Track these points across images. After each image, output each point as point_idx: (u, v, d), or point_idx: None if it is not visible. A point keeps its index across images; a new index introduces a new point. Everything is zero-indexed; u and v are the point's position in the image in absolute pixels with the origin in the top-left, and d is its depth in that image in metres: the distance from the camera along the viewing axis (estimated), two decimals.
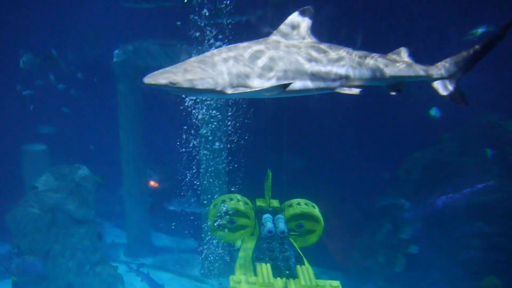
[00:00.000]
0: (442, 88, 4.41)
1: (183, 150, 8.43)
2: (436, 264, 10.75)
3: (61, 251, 10.08)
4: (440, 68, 4.35)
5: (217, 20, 6.43)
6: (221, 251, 10.90)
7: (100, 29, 15.02)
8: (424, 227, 11.03)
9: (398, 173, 11.62)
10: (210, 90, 3.61)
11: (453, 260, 10.50)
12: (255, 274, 4.72)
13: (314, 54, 4.01)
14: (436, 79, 4.37)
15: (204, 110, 9.83)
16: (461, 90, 4.42)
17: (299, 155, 12.41)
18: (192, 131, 8.36)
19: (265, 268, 4.74)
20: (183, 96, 3.85)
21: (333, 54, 4.08)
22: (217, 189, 10.61)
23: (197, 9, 6.67)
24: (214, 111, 9.87)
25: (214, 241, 10.29)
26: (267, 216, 5.76)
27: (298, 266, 4.83)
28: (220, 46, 6.02)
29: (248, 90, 3.71)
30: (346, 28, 10.32)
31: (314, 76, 3.97)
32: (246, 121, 8.62)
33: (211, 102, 9.49)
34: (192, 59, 3.81)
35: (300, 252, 5.25)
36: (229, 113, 9.70)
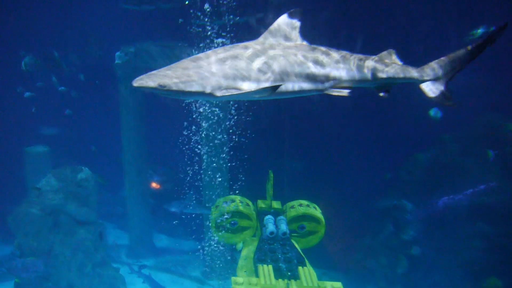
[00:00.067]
0: (430, 89, 4.39)
1: (185, 151, 8.45)
2: (438, 265, 10.74)
3: (63, 253, 10.09)
4: (429, 69, 4.34)
5: (219, 22, 6.45)
6: (222, 252, 10.91)
7: (101, 31, 15.07)
8: (426, 228, 11.02)
9: (399, 174, 11.62)
10: (199, 92, 3.61)
11: (455, 261, 10.49)
12: (257, 276, 4.72)
13: (304, 56, 4.01)
14: (425, 80, 4.36)
15: (205, 110, 9.85)
16: (449, 92, 4.38)
17: (300, 157, 12.42)
18: (194, 133, 8.38)
19: (266, 270, 4.75)
20: (173, 98, 3.83)
21: (322, 56, 4.09)
22: (219, 190, 10.62)
23: (197, 12, 6.69)
24: (216, 112, 9.89)
25: (215, 242, 10.30)
26: (268, 217, 5.76)
27: (300, 268, 4.83)
28: (223, 43, 6.04)
29: (238, 92, 3.70)
30: (346, 30, 10.35)
31: (303, 78, 3.98)
32: (247, 122, 8.64)
33: (213, 103, 9.51)
34: (182, 61, 3.80)
35: (302, 254, 5.25)
36: (231, 115, 9.72)
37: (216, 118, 9.95)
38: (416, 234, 10.92)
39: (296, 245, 5.49)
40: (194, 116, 7.84)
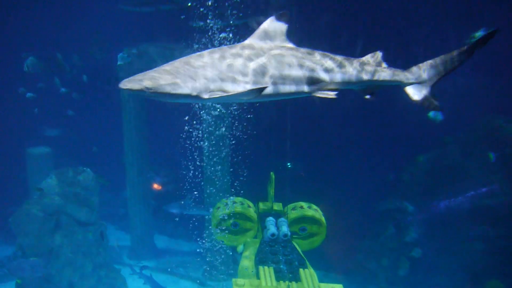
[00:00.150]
0: (414, 93, 4.36)
1: (186, 152, 8.45)
2: (439, 267, 10.72)
3: (65, 253, 10.10)
4: (414, 73, 4.32)
5: (222, 23, 6.47)
6: (223, 253, 10.91)
7: (103, 32, 15.11)
8: (428, 230, 11.01)
9: (401, 175, 11.62)
10: (186, 95, 3.60)
11: (457, 263, 10.47)
12: (258, 277, 4.72)
13: (291, 58, 4.02)
14: (409, 83, 4.34)
15: (207, 111, 9.86)
16: (434, 96, 4.34)
17: (302, 158, 12.42)
18: (195, 133, 8.38)
19: (268, 271, 4.75)
20: (161, 100, 3.84)
21: (309, 58, 4.09)
22: (220, 192, 10.62)
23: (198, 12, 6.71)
24: (217, 113, 9.90)
25: (216, 243, 10.30)
26: (270, 219, 5.77)
27: (301, 270, 4.84)
28: (225, 38, 6.04)
29: (224, 94, 3.71)
30: (346, 33, 10.36)
31: (290, 80, 3.98)
32: (248, 124, 8.64)
33: (214, 104, 9.52)
34: (170, 63, 3.82)
35: (303, 256, 5.25)
36: (233, 117, 9.73)
37: (217, 118, 9.97)
38: (417, 236, 10.91)
39: (297, 247, 5.49)
40: (195, 117, 7.86)
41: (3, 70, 13.66)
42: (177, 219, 11.89)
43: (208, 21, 6.41)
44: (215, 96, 3.69)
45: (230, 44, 4.88)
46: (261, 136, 9.42)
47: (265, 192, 6.33)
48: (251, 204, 6.20)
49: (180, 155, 8.25)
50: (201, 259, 12.09)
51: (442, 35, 10.33)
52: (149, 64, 10.97)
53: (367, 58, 4.39)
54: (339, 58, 4.24)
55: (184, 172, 8.65)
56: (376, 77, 4.27)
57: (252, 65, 3.86)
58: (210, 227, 6.48)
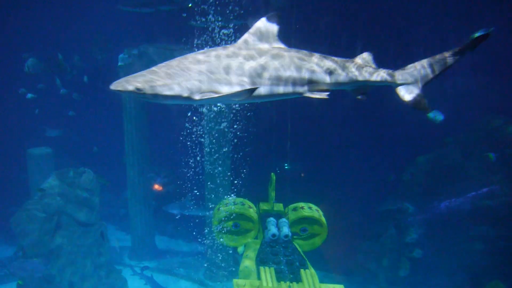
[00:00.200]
0: (405, 93, 4.36)
1: (186, 153, 8.46)
2: (440, 268, 10.72)
3: (65, 254, 10.12)
4: (404, 73, 4.34)
5: (223, 24, 6.48)
6: (224, 254, 10.92)
7: (103, 33, 15.13)
8: (428, 231, 11.01)
9: (402, 177, 11.62)
10: (176, 96, 3.59)
11: (458, 264, 10.48)
12: (259, 278, 4.73)
13: (282, 59, 4.02)
14: (400, 84, 4.35)
15: (208, 112, 9.87)
16: (424, 96, 4.34)
17: (302, 159, 12.42)
18: (196, 134, 8.39)
19: (268, 272, 4.76)
20: (152, 102, 3.82)
21: (300, 59, 4.10)
22: (221, 193, 10.62)
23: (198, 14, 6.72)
24: (218, 113, 9.91)
25: (217, 244, 10.31)
26: (271, 220, 5.78)
27: (302, 270, 4.84)
28: (225, 34, 6.04)
29: (216, 95, 3.70)
30: (346, 34, 10.37)
31: (282, 81, 3.99)
32: (249, 124, 8.65)
33: (215, 105, 9.53)
34: (160, 65, 3.81)
35: (304, 256, 5.26)
36: (234, 117, 9.73)
37: (218, 119, 9.98)
38: (418, 237, 10.91)
39: (298, 248, 5.50)
40: (196, 117, 7.86)
41: (4, 71, 13.69)
42: (178, 216, 11.92)
43: (209, 17, 6.42)
44: (206, 98, 3.68)
45: (230, 42, 4.88)
46: (262, 136, 9.43)
47: (266, 193, 6.34)
48: (252, 204, 6.20)
49: (180, 155, 8.27)
50: (202, 260, 12.10)
51: (442, 35, 10.34)
52: (149, 65, 10.99)
53: (358, 58, 4.42)
54: (330, 58, 4.26)
55: (186, 169, 8.66)
56: (367, 78, 4.30)
57: (244, 66, 3.86)
58: (211, 227, 6.47)
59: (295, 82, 4.05)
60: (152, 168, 13.38)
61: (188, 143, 7.73)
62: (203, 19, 6.55)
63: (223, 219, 5.92)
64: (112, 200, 14.70)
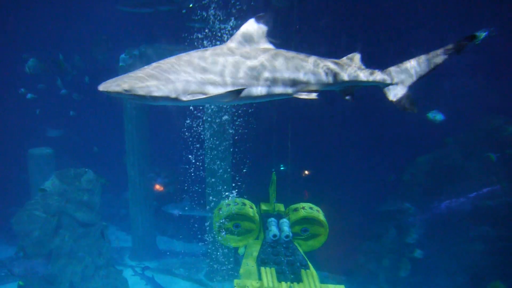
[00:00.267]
0: (392, 93, 4.40)
1: (187, 154, 8.47)
2: (441, 269, 10.72)
3: (66, 255, 10.12)
4: (392, 73, 4.36)
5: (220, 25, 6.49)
6: (225, 254, 10.92)
7: (105, 33, 15.14)
8: (429, 232, 11.01)
9: (403, 177, 11.62)
10: (164, 97, 3.59)
11: (458, 264, 10.47)
12: (260, 278, 4.74)
13: (271, 60, 4.02)
14: (387, 84, 4.38)
15: (208, 114, 9.88)
16: (410, 96, 4.38)
17: (303, 160, 12.42)
18: (196, 135, 8.40)
19: (269, 272, 4.77)
20: (140, 103, 3.82)
21: (289, 60, 4.10)
22: (222, 193, 10.63)
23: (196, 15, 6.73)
24: (219, 115, 9.91)
25: (218, 244, 10.32)
26: (272, 220, 5.78)
27: (302, 270, 4.85)
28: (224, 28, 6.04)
29: (204, 96, 3.69)
30: (346, 36, 10.37)
31: (271, 82, 3.99)
32: (250, 125, 8.65)
33: (215, 106, 9.54)
34: (149, 66, 3.80)
35: (305, 256, 5.26)
36: (234, 117, 9.74)
37: (218, 120, 9.98)
38: (418, 237, 10.91)
39: (299, 248, 5.50)
40: (197, 118, 7.88)
41: (5, 71, 13.70)
42: (178, 214, 11.91)
43: (209, 17, 6.43)
44: (194, 99, 3.68)
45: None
46: (262, 137, 9.42)
47: (267, 193, 6.34)
48: (253, 205, 6.21)
49: (181, 150, 8.27)
50: (203, 260, 12.11)
51: (442, 35, 10.34)
52: None
53: (346, 59, 4.44)
54: (318, 59, 4.27)
55: (186, 165, 8.66)
56: (354, 78, 4.32)
57: (233, 67, 3.85)
58: (211, 228, 6.47)
59: (283, 83, 4.05)
60: (153, 168, 13.39)
61: (189, 138, 7.74)
62: (202, 18, 6.56)
63: (224, 219, 5.92)
64: (112, 200, 14.71)
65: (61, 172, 10.63)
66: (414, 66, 4.32)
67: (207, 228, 11.12)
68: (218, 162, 10.42)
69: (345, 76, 4.28)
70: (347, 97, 4.54)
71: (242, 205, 6.06)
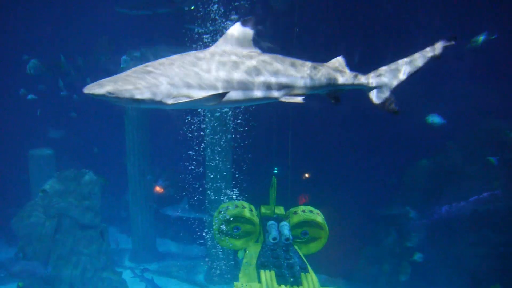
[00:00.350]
0: (376, 96, 4.43)
1: (187, 156, 8.47)
2: (442, 273, 10.69)
3: (66, 256, 10.12)
4: (375, 77, 4.38)
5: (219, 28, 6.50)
6: (225, 257, 10.90)
7: (106, 35, 15.17)
8: (430, 235, 10.99)
9: (403, 180, 11.60)
10: (149, 100, 3.59)
11: (459, 268, 10.45)
12: (259, 281, 4.72)
13: (256, 63, 4.02)
14: (371, 87, 4.40)
15: (208, 116, 9.88)
16: (393, 99, 4.40)
17: (303, 162, 12.41)
18: (196, 137, 8.40)
19: (269, 275, 4.75)
20: (125, 106, 3.84)
21: (275, 63, 4.10)
22: (222, 195, 10.62)
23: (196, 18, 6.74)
24: (218, 116, 9.92)
25: (218, 247, 10.30)
26: (271, 223, 5.76)
27: (302, 274, 4.83)
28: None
29: (188, 100, 3.68)
30: (345, 40, 10.37)
31: (256, 85, 3.98)
32: (250, 127, 8.64)
33: (215, 109, 9.54)
34: (135, 69, 3.80)
35: (305, 260, 5.25)
36: (234, 119, 9.74)
37: (219, 122, 9.98)
38: (419, 241, 10.89)
39: (299, 251, 5.48)
40: (197, 120, 7.87)
41: (6, 72, 13.73)
42: (176, 215, 11.88)
43: (209, 19, 6.44)
44: (179, 102, 3.66)
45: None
46: (263, 139, 9.43)
47: (267, 196, 6.33)
48: (252, 207, 6.19)
49: (181, 158, 8.26)
50: (203, 263, 12.09)
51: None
52: None
53: (331, 63, 4.45)
54: (304, 63, 4.28)
55: (185, 178, 8.65)
56: (339, 81, 4.35)
57: (218, 70, 3.84)
58: (211, 230, 6.46)
59: (269, 87, 4.05)
60: (153, 169, 13.39)
61: (189, 134, 7.73)
62: (202, 20, 6.58)
63: (223, 222, 5.91)
64: (113, 202, 14.70)
65: (61, 173, 10.64)
66: (397, 69, 4.35)
67: (207, 231, 11.11)
68: (217, 164, 10.42)
69: (330, 80, 4.31)
70: (332, 101, 4.57)
71: (241, 207, 6.05)
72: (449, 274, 10.60)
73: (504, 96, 10.32)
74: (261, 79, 3.99)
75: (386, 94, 4.40)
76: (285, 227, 5.65)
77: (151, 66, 3.79)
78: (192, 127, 7.67)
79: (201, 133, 9.59)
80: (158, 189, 13.93)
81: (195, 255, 13.04)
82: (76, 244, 10.25)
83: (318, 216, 5.97)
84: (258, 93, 4.01)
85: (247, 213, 5.93)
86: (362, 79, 4.38)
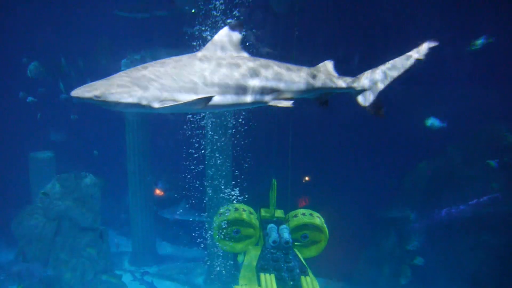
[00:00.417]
0: (362, 99, 4.46)
1: (188, 159, 8.47)
2: (441, 276, 10.68)
3: (66, 259, 10.12)
4: (361, 80, 4.41)
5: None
6: (225, 260, 10.89)
7: (107, 38, 15.19)
8: (430, 239, 10.98)
9: (403, 183, 11.60)
10: (135, 104, 3.59)
11: (459, 271, 10.44)
12: (259, 284, 4.72)
13: (244, 68, 4.02)
14: (358, 90, 4.44)
15: (208, 119, 9.89)
16: (380, 102, 4.44)
17: (303, 165, 12.42)
18: (197, 140, 8.41)
19: (269, 278, 4.75)
20: (112, 109, 3.83)
21: (262, 68, 4.11)
22: (221, 199, 10.61)
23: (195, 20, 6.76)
24: (219, 120, 9.92)
25: (218, 250, 10.29)
26: (271, 226, 5.77)
27: (302, 277, 4.84)
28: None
29: (175, 103, 3.68)
30: (345, 43, 10.38)
31: (243, 90, 3.99)
32: (250, 129, 8.66)
33: (215, 111, 9.54)
34: (121, 72, 3.80)
35: (304, 263, 5.25)
36: (234, 122, 9.75)
37: (219, 124, 9.98)
38: (419, 244, 10.88)
39: (299, 254, 5.49)
40: (197, 123, 7.88)
41: (6, 75, 13.74)
42: (174, 218, 11.87)
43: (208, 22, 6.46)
44: (166, 106, 3.66)
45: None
46: (263, 142, 9.42)
47: (267, 199, 6.34)
48: (252, 210, 6.20)
49: (182, 161, 8.27)
50: (203, 265, 12.08)
51: (442, 43, 10.34)
52: None
53: (319, 67, 4.47)
54: (292, 67, 4.30)
55: (185, 180, 8.65)
56: (327, 85, 4.38)
57: (205, 74, 3.85)
58: (211, 233, 6.46)
59: (257, 91, 4.06)
60: (153, 171, 13.39)
61: (189, 146, 7.75)
62: (201, 26, 6.60)
63: (223, 225, 5.91)
64: (113, 205, 14.69)
65: (61, 176, 10.65)
66: (383, 72, 4.38)
67: (207, 233, 11.10)
68: (218, 167, 10.41)
69: (318, 83, 4.33)
70: (321, 105, 4.60)
71: (242, 211, 6.06)
72: (449, 277, 10.59)
73: (503, 98, 10.34)
74: (248, 83, 4.00)
75: (372, 97, 4.43)
76: (285, 230, 5.66)
77: (138, 70, 3.80)
78: (192, 125, 7.68)
79: (202, 131, 9.60)
80: (158, 192, 13.93)
81: (195, 257, 13.03)
82: (76, 246, 10.25)
83: (318, 220, 5.97)
84: (245, 97, 4.02)
85: (246, 216, 5.94)
86: (349, 83, 4.41)
